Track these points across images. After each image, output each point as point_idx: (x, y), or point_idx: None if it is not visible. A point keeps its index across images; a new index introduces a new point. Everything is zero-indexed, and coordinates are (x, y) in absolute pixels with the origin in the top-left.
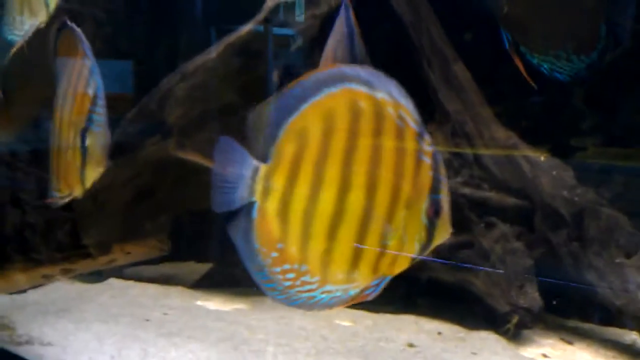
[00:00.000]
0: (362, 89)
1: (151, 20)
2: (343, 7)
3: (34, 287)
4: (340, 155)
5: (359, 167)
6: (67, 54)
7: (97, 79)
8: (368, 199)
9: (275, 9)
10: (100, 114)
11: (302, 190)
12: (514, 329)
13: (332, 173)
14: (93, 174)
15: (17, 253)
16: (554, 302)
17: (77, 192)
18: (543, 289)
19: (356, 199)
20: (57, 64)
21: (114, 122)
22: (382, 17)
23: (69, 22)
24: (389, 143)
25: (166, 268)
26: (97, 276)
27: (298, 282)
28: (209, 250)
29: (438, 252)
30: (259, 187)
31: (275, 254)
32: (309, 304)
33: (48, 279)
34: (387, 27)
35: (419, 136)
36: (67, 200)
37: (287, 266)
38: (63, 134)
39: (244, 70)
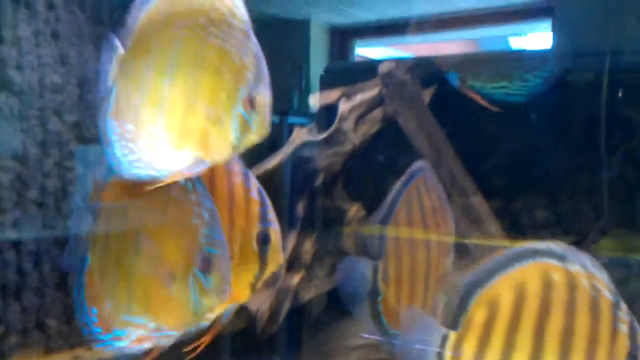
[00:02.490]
0: (554, 262)
1: None
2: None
3: None
4: (532, 324)
5: (552, 336)
6: None
7: (255, 180)
8: None
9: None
10: (272, 211)
11: (493, 356)
12: None
13: (524, 341)
14: (273, 269)
15: None
16: None
17: (245, 299)
18: None
19: None
20: None
21: None
22: (403, 155)
23: None
24: (582, 313)
25: None
26: None
27: None
28: None
29: None
30: (447, 354)
31: None
32: None
33: None
34: (409, 164)
35: (615, 306)
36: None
37: None
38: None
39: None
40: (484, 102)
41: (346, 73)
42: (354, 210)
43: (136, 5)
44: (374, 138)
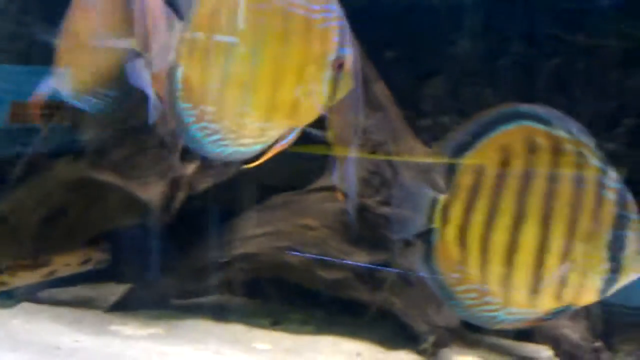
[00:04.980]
0: (539, 126)
1: None
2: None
3: None
4: (516, 187)
5: (535, 199)
6: None
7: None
8: (545, 231)
9: None
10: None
11: (479, 218)
12: (432, 348)
13: (508, 204)
14: (343, 94)
15: None
16: None
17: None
18: None
19: (532, 230)
20: None
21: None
22: None
23: None
24: (567, 178)
25: (84, 290)
26: (9, 300)
27: (480, 302)
28: (126, 270)
29: (357, 271)
30: (437, 215)
31: (456, 275)
32: (492, 323)
33: None
34: None
35: (602, 173)
36: None
37: (469, 286)
38: None
39: None
40: None
41: None
42: None
43: None
44: None
